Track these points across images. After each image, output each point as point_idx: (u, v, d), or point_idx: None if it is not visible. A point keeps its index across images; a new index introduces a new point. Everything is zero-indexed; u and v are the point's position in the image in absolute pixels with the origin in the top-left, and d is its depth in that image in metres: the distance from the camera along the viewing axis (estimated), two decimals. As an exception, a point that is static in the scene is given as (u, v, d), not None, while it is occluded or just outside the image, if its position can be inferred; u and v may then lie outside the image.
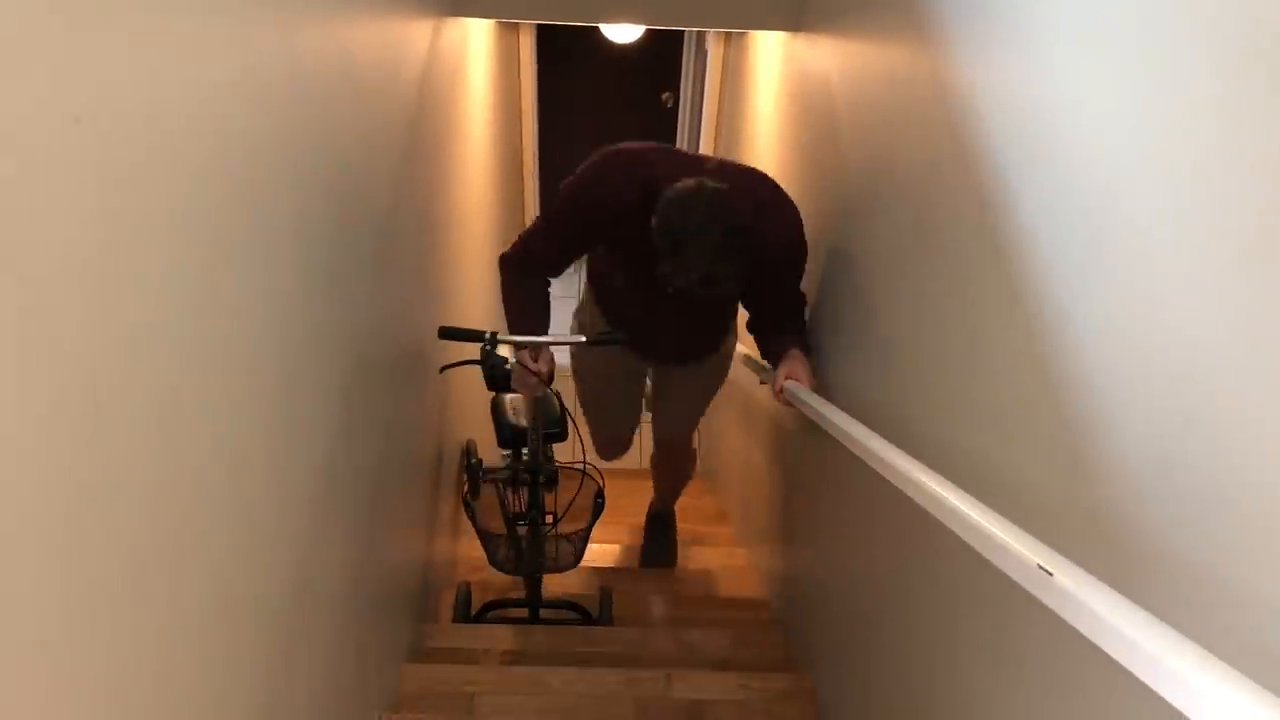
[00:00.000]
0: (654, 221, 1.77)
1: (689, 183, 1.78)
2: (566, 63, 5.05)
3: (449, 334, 2.02)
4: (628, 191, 1.90)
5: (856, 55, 1.98)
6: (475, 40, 2.93)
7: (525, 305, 2.08)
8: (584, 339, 2.13)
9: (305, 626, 1.21)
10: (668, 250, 1.76)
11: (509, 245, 2.09)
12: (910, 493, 1.22)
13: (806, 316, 2.13)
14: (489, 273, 3.10)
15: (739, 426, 3.30)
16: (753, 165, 2.13)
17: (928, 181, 1.50)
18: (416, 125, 1.98)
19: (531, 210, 4.58)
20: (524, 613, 2.37)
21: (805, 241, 2.02)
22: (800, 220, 2.00)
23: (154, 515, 0.76)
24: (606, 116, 5.33)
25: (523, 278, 2.08)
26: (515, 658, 2.16)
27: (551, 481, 2.30)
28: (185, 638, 0.83)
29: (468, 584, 2.51)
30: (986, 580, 1.08)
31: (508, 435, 2.47)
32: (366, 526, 1.55)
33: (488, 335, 2.00)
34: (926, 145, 1.51)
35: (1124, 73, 0.92)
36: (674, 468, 2.81)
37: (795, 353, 2.03)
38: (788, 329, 2.09)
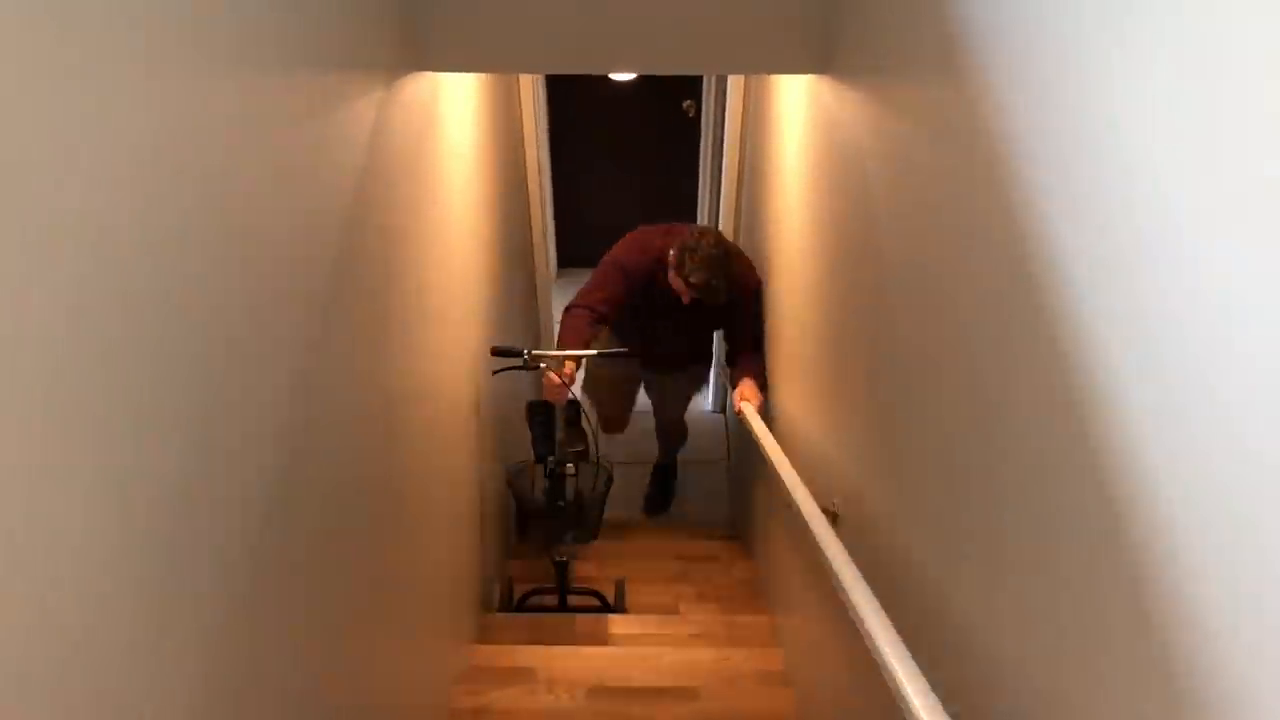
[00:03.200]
0: (672, 252, 2.81)
1: (699, 228, 2.91)
2: (580, 76, 4.64)
3: (497, 351, 2.80)
4: (644, 265, 2.96)
5: (888, 102, 1.60)
6: (455, 82, 2.55)
7: (567, 334, 2.89)
8: (595, 352, 2.88)
9: None
10: (681, 261, 2.76)
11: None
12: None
13: (765, 352, 3.03)
14: (482, 326, 2.76)
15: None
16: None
17: (963, 242, 1.22)
18: (365, 199, 1.62)
19: (541, 242, 4.20)
20: (555, 601, 3.02)
21: (760, 282, 3.03)
22: (757, 281, 3.04)
23: None
24: (627, 129, 4.93)
25: (579, 323, 2.90)
26: None
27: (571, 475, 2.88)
28: None
29: (510, 578, 3.21)
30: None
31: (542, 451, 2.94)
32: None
33: (525, 351, 2.76)
34: (964, 200, 1.21)
35: (1205, 127, 0.70)
36: (670, 437, 4.00)
37: (748, 380, 2.96)
38: (750, 355, 3.02)
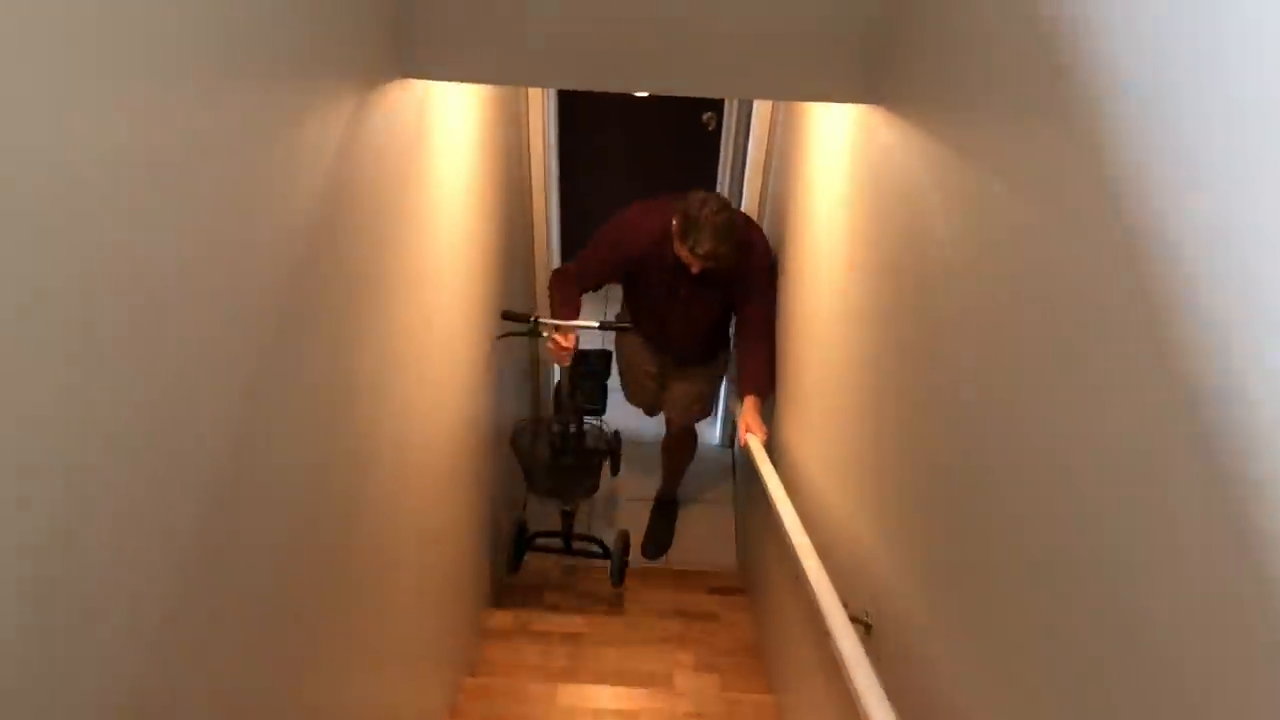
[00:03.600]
0: (675, 222, 2.66)
1: (703, 193, 2.65)
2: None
3: (507, 315, 2.96)
4: (646, 237, 2.83)
5: (961, 142, 1.31)
6: (449, 88, 2.25)
7: (561, 303, 2.91)
8: (596, 325, 2.95)
9: None
10: (686, 230, 2.60)
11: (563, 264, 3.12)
12: None
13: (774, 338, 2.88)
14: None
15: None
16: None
17: (1062, 323, 0.95)
18: (327, 225, 1.35)
19: (544, 256, 3.90)
20: (559, 544, 3.34)
21: (768, 269, 2.87)
22: (767, 256, 2.87)
23: None
24: (640, 140, 4.64)
25: (564, 284, 2.93)
26: None
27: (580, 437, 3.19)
28: None
29: (523, 519, 3.39)
30: None
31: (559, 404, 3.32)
32: None
33: (533, 318, 2.92)
34: (1063, 272, 0.95)
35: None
36: (679, 445, 3.73)
37: (751, 403, 2.82)
38: (757, 343, 2.86)
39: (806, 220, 2.56)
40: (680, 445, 3.75)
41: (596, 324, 2.95)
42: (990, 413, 1.16)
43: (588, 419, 3.25)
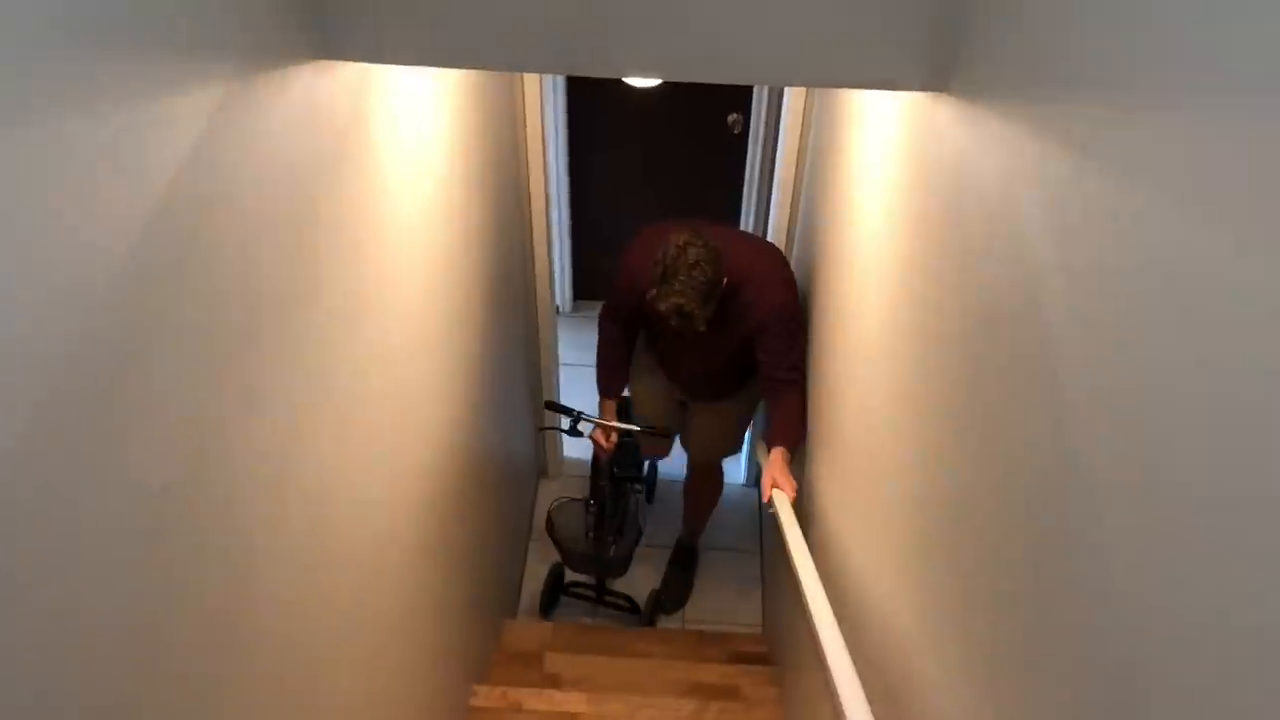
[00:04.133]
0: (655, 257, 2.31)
1: (686, 235, 2.24)
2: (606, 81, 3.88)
3: (550, 405, 3.03)
4: (646, 276, 2.32)
5: (1077, 141, 0.90)
6: (402, 77, 1.83)
7: (604, 359, 2.79)
8: (637, 429, 2.89)
9: None
10: (655, 279, 2.25)
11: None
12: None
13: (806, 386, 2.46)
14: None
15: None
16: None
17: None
18: (201, 237, 0.94)
19: (545, 272, 3.46)
20: (593, 595, 3.34)
21: (789, 313, 2.42)
22: (787, 297, 2.43)
23: None
24: (659, 146, 4.21)
25: (603, 343, 2.77)
26: None
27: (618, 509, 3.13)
28: None
29: (561, 565, 3.29)
30: None
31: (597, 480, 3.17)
32: None
33: (575, 413, 2.87)
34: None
35: None
36: (701, 488, 3.33)
37: (778, 455, 2.43)
38: (781, 396, 2.47)
39: (848, 238, 2.12)
40: (701, 487, 3.36)
41: (637, 428, 2.89)
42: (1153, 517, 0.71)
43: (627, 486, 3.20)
